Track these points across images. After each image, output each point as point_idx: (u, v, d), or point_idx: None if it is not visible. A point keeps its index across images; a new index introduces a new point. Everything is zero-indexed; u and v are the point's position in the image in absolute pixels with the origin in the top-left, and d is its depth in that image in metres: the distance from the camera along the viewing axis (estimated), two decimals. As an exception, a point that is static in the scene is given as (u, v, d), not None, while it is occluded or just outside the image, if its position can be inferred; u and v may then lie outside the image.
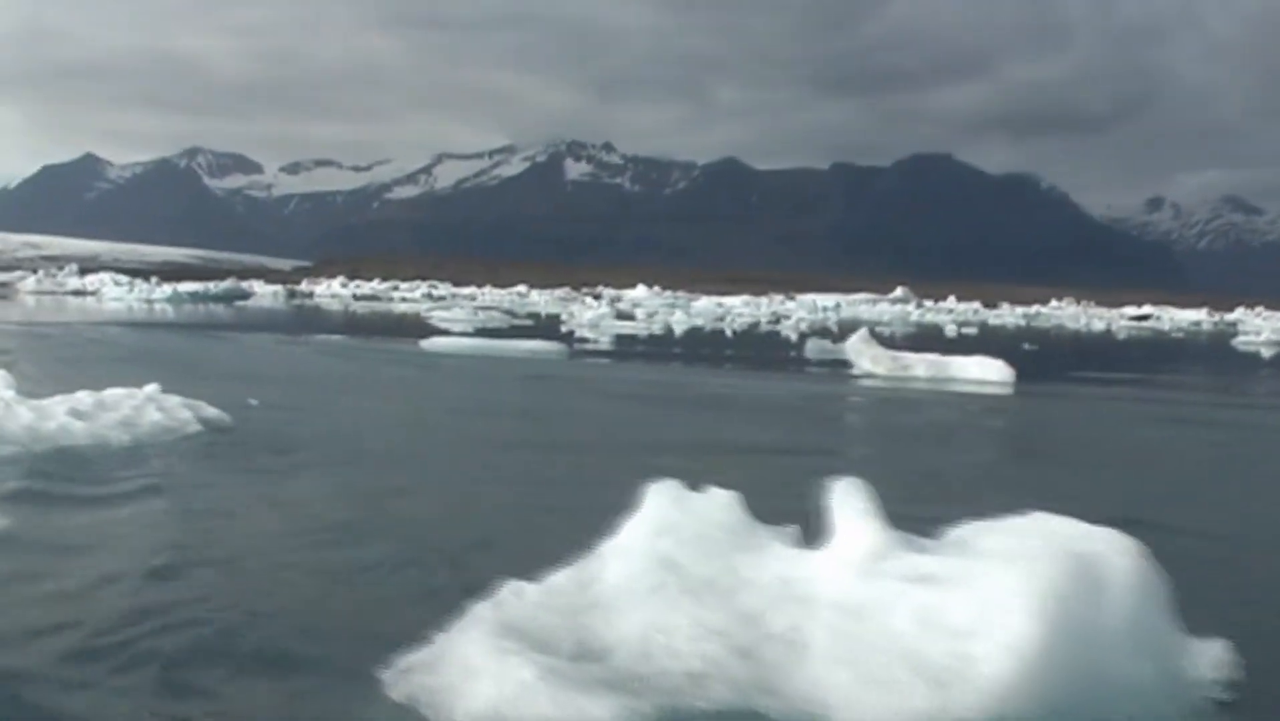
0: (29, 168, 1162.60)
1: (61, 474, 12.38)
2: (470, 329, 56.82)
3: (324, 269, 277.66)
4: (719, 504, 7.04)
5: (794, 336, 62.85)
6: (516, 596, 6.65)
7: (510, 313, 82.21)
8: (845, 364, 37.42)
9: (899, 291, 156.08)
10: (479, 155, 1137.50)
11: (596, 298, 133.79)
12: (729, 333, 67.10)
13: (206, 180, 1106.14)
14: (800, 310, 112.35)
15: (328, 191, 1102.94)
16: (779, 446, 17.05)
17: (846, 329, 72.68)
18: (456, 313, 73.23)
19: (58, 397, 15.38)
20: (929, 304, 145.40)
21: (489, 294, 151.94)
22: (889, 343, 40.89)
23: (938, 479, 14.41)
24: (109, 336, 44.01)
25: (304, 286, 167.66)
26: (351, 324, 66.56)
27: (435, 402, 22.14)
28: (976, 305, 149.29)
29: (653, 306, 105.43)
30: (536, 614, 6.45)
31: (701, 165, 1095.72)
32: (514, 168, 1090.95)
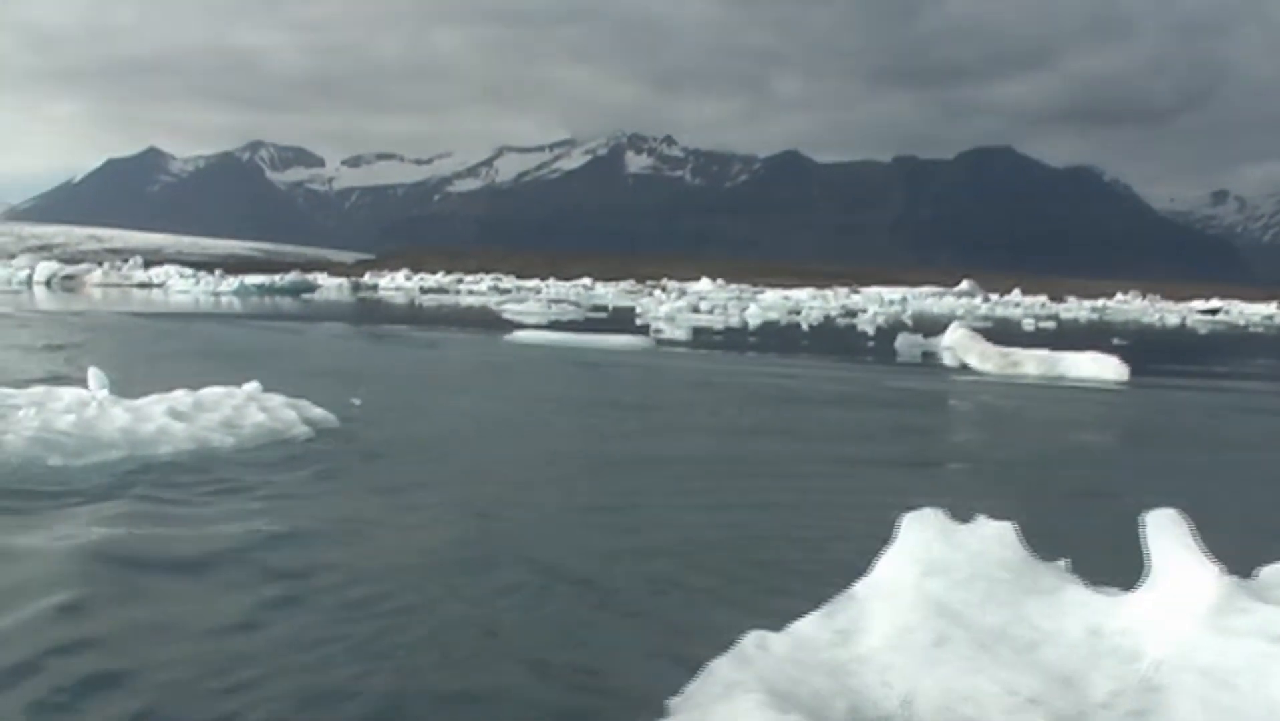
0: (93, 161, 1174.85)
1: (164, 481, 11.39)
2: (545, 322, 55.84)
3: (386, 262, 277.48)
4: (995, 537, 5.82)
5: (871, 331, 61.33)
6: (761, 649, 5.46)
7: (580, 305, 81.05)
8: (938, 359, 36.66)
9: (965, 285, 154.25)
10: (540, 148, 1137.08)
11: (664, 291, 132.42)
12: (805, 326, 65.62)
13: (268, 174, 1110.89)
14: (872, 304, 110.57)
15: (389, 185, 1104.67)
16: (950, 455, 15.97)
17: (922, 324, 71.57)
18: (530, 305, 72.07)
19: (153, 396, 14.40)
20: (994, 297, 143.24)
21: (553, 286, 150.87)
22: (968, 338, 39.72)
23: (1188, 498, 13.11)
24: (184, 329, 43.25)
25: (368, 279, 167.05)
26: (424, 317, 65.56)
27: (539, 400, 20.96)
28: (1043, 299, 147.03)
29: (719, 299, 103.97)
30: (797, 673, 5.24)
31: (762, 158, 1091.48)
32: (575, 160, 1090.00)
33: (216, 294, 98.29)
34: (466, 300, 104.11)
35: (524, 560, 8.66)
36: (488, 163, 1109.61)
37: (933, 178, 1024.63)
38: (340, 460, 13.16)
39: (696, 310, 73.48)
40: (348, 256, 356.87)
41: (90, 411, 13.31)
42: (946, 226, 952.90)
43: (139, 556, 8.54)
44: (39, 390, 14.20)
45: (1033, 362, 31.99)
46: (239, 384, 15.42)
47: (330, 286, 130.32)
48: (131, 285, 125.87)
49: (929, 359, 37.62)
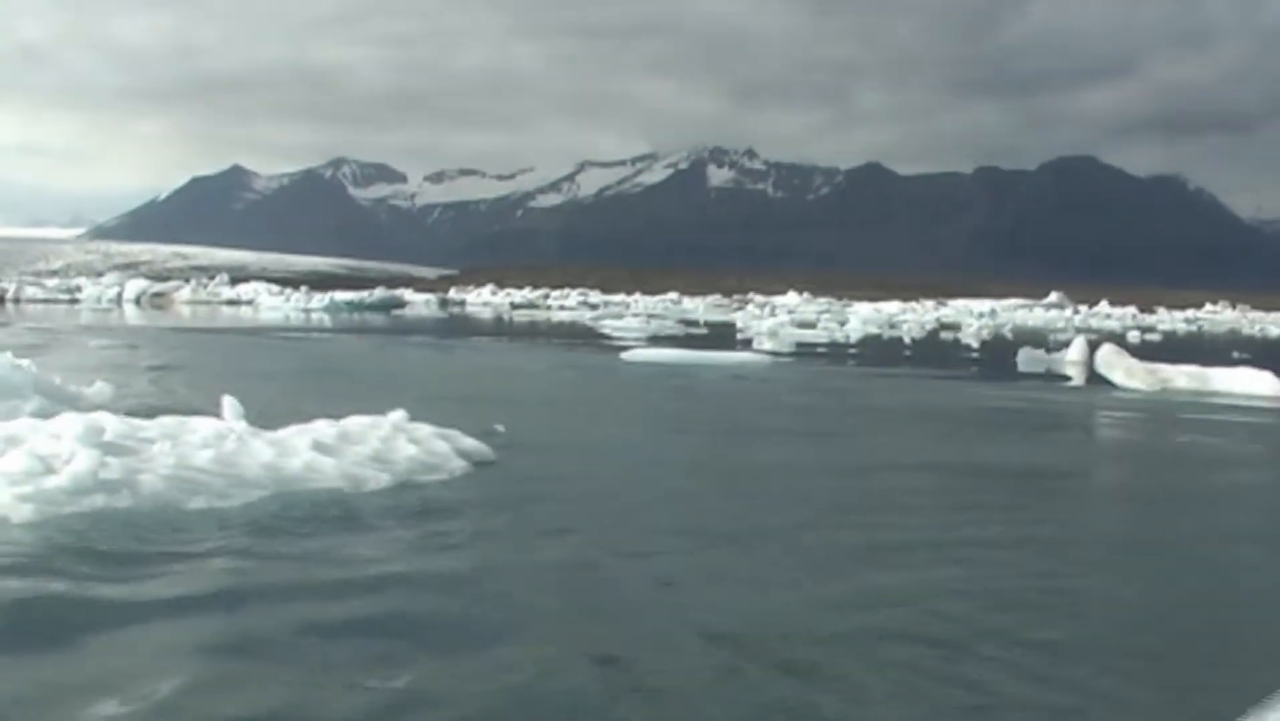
0: (178, 180, 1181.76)
1: (320, 524, 10.18)
2: (645, 338, 54.60)
3: (470, 277, 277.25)
4: None
5: (975, 344, 59.70)
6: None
7: (678, 321, 79.47)
8: (1064, 373, 36.00)
9: (1053, 296, 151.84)
10: (621, 163, 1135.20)
11: (758, 305, 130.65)
12: (907, 340, 63.84)
13: (351, 190, 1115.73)
14: (970, 317, 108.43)
15: (471, 200, 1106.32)
16: (1180, 493, 14.19)
17: (1021, 337, 69.76)
18: (629, 322, 70.68)
19: (293, 428, 13.08)
20: (1083, 309, 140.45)
21: (640, 301, 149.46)
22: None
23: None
24: (288, 347, 42.39)
25: (454, 295, 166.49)
26: (522, 333, 64.43)
27: (687, 424, 19.60)
28: (1131, 310, 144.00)
29: (810, 313, 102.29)
30: None
31: (844, 170, 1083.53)
32: (656, 175, 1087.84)
33: (307, 310, 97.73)
34: (558, 315, 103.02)
35: (723, 637, 7.20)
36: (569, 177, 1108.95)
37: (1015, 188, 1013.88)
38: (503, 497, 11.86)
39: (800, 325, 71.73)
40: (430, 272, 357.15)
41: (229, 445, 11.96)
42: (1029, 237, 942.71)
43: (313, 618, 7.33)
44: (170, 421, 12.83)
45: (1183, 379, 30.37)
46: (369, 409, 14.13)
47: (418, 302, 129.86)
48: (220, 302, 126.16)
49: (1054, 374, 36.30)
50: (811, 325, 72.64)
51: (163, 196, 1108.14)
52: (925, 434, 19.55)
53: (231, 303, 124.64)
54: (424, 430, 13.77)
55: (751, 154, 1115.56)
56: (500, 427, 15.89)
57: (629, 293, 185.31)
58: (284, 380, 25.94)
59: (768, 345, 51.77)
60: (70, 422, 11.64)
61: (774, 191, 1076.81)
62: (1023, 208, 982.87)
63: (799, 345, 51.98)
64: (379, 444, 12.94)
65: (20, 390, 15.94)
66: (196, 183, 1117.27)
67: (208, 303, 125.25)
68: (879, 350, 52.33)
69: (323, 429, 13.12)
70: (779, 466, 15.20)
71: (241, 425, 12.74)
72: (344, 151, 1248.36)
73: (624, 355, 35.33)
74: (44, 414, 14.95)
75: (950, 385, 32.32)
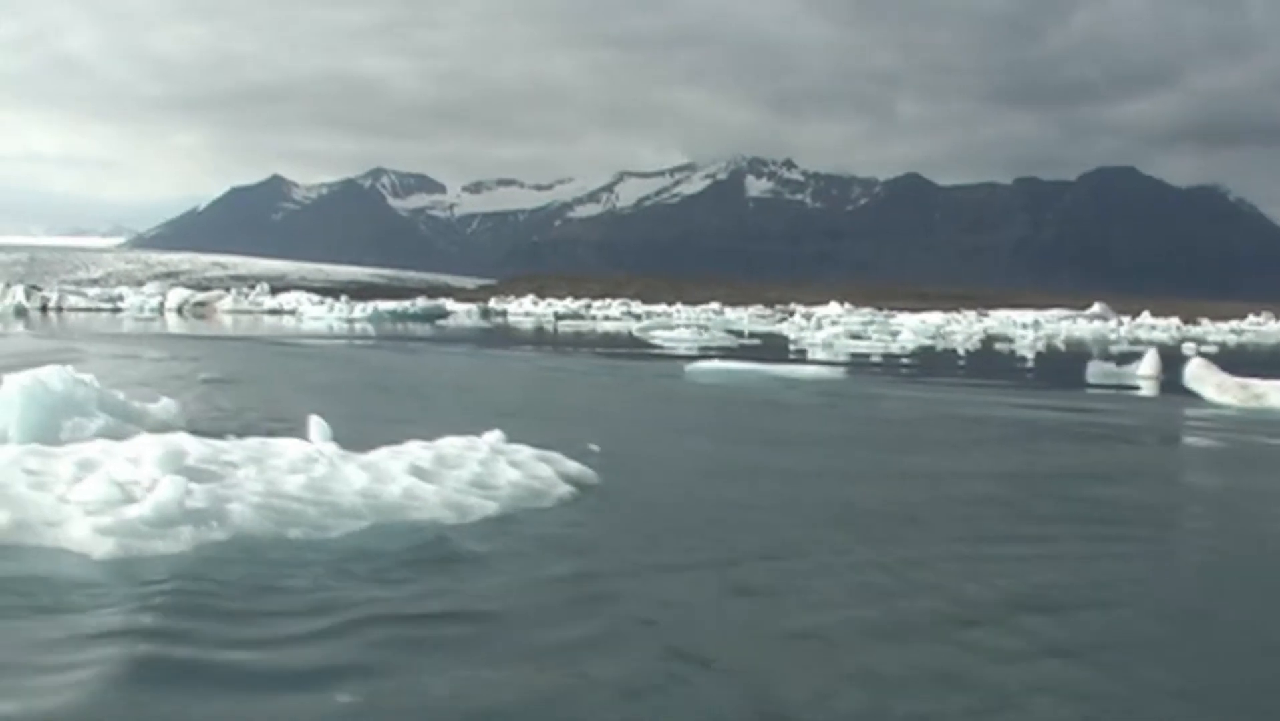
0: (217, 189, 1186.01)
1: (431, 560, 9.20)
2: (697, 349, 53.72)
3: (509, 287, 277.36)
4: None
5: (1030, 356, 58.66)
6: None
7: (724, 331, 78.27)
8: (1136, 386, 35.25)
9: (1096, 308, 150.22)
10: (660, 173, 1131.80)
11: (803, 316, 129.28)
12: (961, 351, 62.54)
13: (390, 200, 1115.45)
14: (1013, 328, 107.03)
15: (510, 210, 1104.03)
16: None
17: (1075, 348, 68.58)
18: (680, 333, 69.48)
19: (384, 450, 12.08)
20: (1125, 320, 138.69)
21: (682, 311, 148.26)
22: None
23: None
24: (343, 357, 41.82)
25: (495, 305, 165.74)
26: (572, 344, 63.38)
27: (786, 441, 18.44)
28: (1175, 321, 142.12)
29: (854, 323, 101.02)
30: None
31: (883, 181, 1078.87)
32: (695, 185, 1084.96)
33: (350, 320, 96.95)
34: (603, 326, 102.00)
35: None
36: (608, 188, 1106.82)
37: (1055, 199, 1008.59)
38: (620, 527, 10.89)
39: (852, 336, 70.54)
40: (469, 282, 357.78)
41: (320, 470, 10.96)
42: (1069, 248, 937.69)
43: (463, 679, 6.15)
44: (253, 443, 11.86)
45: (1277, 395, 28.99)
46: (449, 427, 13.28)
47: (459, 312, 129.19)
48: (262, 311, 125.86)
49: (1126, 387, 35.29)
50: (864, 337, 71.39)
51: (202, 206, 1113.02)
52: (1042, 452, 18.55)
53: (273, 312, 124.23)
54: (524, 452, 12.76)
55: (790, 164, 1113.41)
56: (594, 447, 14.83)
57: (670, 303, 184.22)
58: (348, 394, 24.96)
59: (821, 356, 50.78)
60: (149, 445, 10.69)
61: (812, 202, 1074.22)
62: (1062, 218, 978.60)
63: (854, 356, 50.91)
64: (479, 468, 11.92)
65: (84, 407, 14.98)
66: (236, 192, 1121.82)
67: (249, 312, 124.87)
68: (937, 362, 51.19)
69: (417, 452, 12.11)
70: (855, 481, 14.15)
71: (331, 448, 11.74)
72: (383, 161, 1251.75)
73: (687, 367, 34.24)
74: (110, 433, 14.05)
75: (1031, 398, 31.28)
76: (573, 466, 12.79)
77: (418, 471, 11.32)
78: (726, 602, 8.36)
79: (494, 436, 12.98)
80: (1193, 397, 29.03)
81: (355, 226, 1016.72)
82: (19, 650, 6.76)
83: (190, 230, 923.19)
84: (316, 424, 12.27)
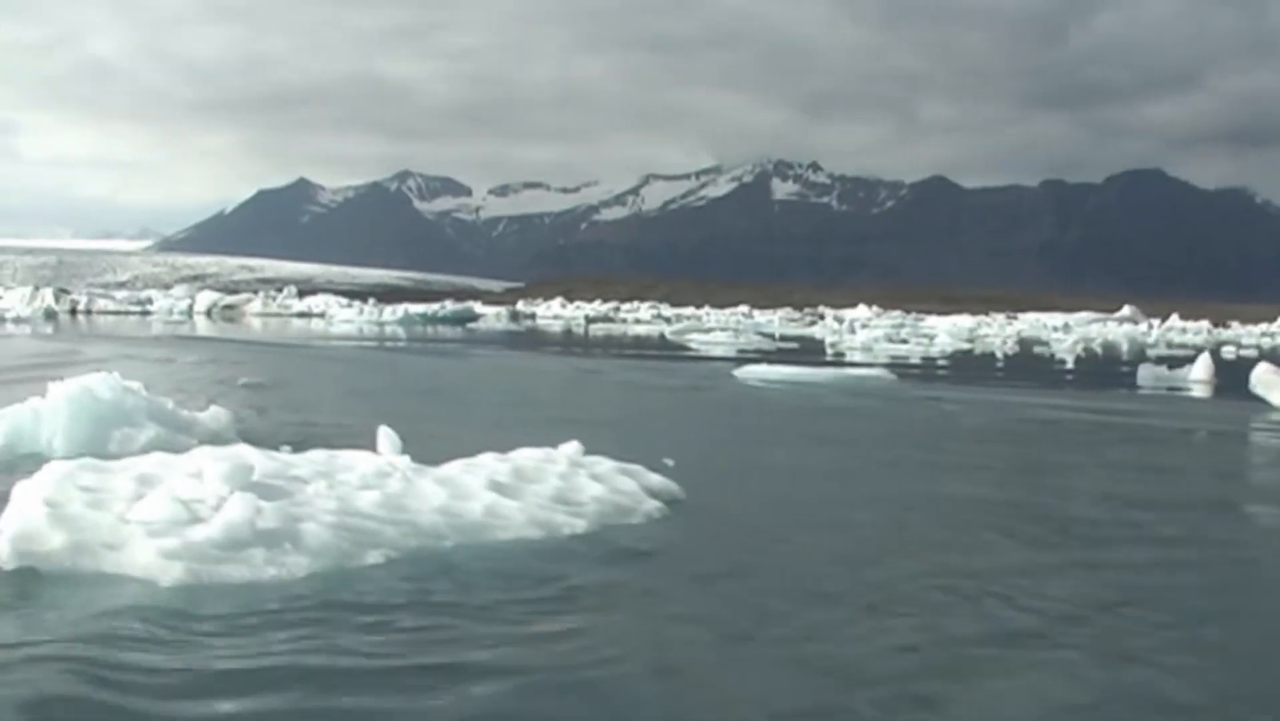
0: (244, 192, 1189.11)
1: (523, 587, 8.44)
2: (734, 353, 52.97)
3: (536, 290, 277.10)
4: None
5: (1070, 360, 57.81)
6: None
7: (757, 334, 77.35)
8: (1189, 391, 34.78)
9: (1126, 310, 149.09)
10: (686, 176, 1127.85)
11: (839, 320, 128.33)
12: (999, 355, 61.63)
13: (416, 203, 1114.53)
14: (1045, 331, 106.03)
15: (536, 213, 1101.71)
16: None
17: (1113, 352, 67.64)
18: (717, 336, 68.67)
19: (458, 463, 11.34)
20: (1155, 323, 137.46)
21: (712, 315, 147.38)
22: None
23: None
24: (384, 361, 41.24)
25: (523, 307, 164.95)
26: (608, 348, 62.57)
27: (858, 447, 17.65)
28: (1204, 324, 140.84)
29: (884, 326, 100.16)
30: None
31: (909, 183, 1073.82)
32: (721, 188, 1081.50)
33: (380, 323, 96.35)
34: (634, 329, 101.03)
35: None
36: (634, 191, 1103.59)
37: (1082, 201, 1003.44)
38: (719, 547, 10.14)
39: (892, 340, 69.66)
40: (496, 285, 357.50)
41: (394, 486, 10.20)
42: (1096, 250, 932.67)
43: None
44: (320, 456, 11.09)
45: (1349, 401, 28.26)
46: (511, 435, 12.57)
47: (489, 315, 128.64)
48: (291, 314, 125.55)
49: (1180, 391, 34.81)
50: (902, 340, 70.46)
51: (229, 209, 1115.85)
52: (1123, 457, 17.65)
53: (302, 315, 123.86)
54: (605, 465, 11.98)
55: (816, 167, 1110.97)
56: (669, 461, 14.00)
57: (698, 306, 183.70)
58: (396, 400, 24.17)
59: (860, 359, 50.03)
60: (211, 459, 9.92)
61: (839, 205, 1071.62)
62: (1089, 221, 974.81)
63: (895, 360, 50.04)
64: (560, 482, 11.15)
65: (133, 416, 14.27)
66: (262, 195, 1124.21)
67: (278, 315, 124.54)
68: (980, 365, 50.42)
69: (494, 465, 11.34)
70: (999, 499, 13.25)
71: (403, 461, 10.96)
72: (409, 164, 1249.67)
73: (736, 372, 33.46)
74: (161, 444, 13.37)
75: (1094, 402, 30.58)
76: (655, 480, 12.01)
77: (497, 487, 10.56)
78: (872, 629, 7.55)
79: (572, 448, 12.19)
80: (1257, 403, 28.22)
81: (381, 229, 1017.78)
82: (89, 691, 5.98)
83: (217, 233, 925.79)
84: (386, 435, 11.49)
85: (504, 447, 12.18)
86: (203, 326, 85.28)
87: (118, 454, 13.38)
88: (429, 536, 9.30)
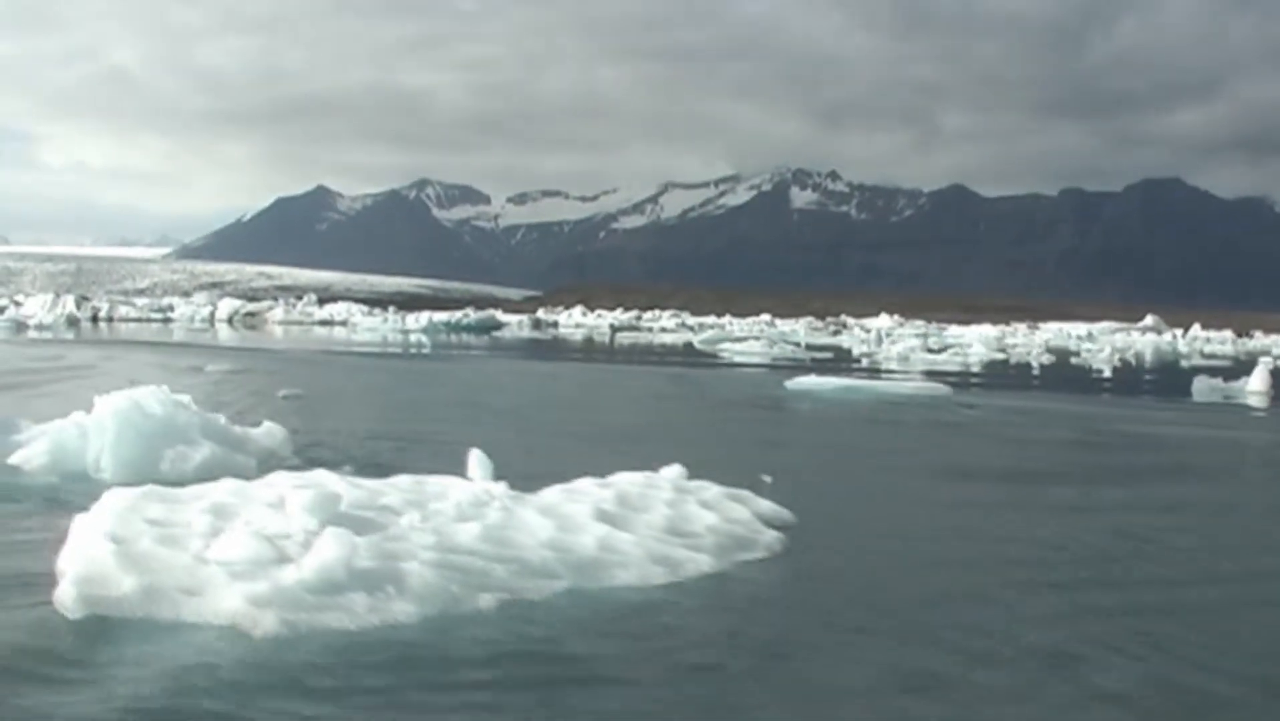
0: (263, 200, 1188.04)
1: (661, 639, 7.39)
2: (768, 362, 51.90)
3: (556, 298, 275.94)
4: None
5: (1107, 370, 57.33)
6: None
7: (791, 344, 76.19)
8: (1244, 401, 34.18)
9: (1149, 320, 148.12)
10: (705, 184, 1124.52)
11: (865, 330, 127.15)
12: (1036, 365, 60.41)
13: (435, 211, 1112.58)
14: (1071, 340, 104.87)
15: (554, 221, 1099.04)
16: None
17: (1147, 362, 66.50)
18: (751, 345, 67.53)
19: (555, 490, 10.26)
20: (1178, 332, 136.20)
21: (734, 323, 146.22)
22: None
23: None
24: (416, 372, 40.50)
25: (543, 315, 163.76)
26: (640, 358, 61.42)
27: (955, 467, 16.50)
28: (1227, 333, 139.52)
29: (907, 335, 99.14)
30: None
31: (928, 192, 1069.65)
32: (739, 196, 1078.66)
33: (405, 331, 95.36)
34: (661, 338, 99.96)
35: None
36: (653, 199, 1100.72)
37: (1101, 210, 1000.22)
38: (854, 587, 8.99)
39: (928, 350, 68.52)
40: (514, 293, 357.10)
41: (494, 516, 9.11)
42: (1115, 259, 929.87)
43: None
44: (406, 482, 10.03)
45: None
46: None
47: (511, 323, 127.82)
48: (313, 322, 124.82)
49: (1237, 403, 34.10)
50: (937, 350, 69.26)
51: (248, 217, 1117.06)
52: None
53: (324, 323, 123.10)
54: (712, 490, 10.92)
55: (835, 176, 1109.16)
56: (767, 478, 12.91)
57: (718, 315, 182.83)
58: (449, 415, 23.08)
59: (897, 369, 49.02)
60: (292, 488, 8.84)
61: (857, 213, 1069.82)
62: (1108, 229, 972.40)
63: (933, 370, 48.94)
64: (669, 510, 10.07)
65: (186, 433, 13.20)
66: (281, 203, 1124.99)
67: (300, 322, 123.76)
68: (1021, 376, 49.43)
69: (596, 492, 10.28)
70: (1146, 521, 12.15)
71: (500, 488, 9.87)
72: (428, 173, 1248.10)
73: (787, 383, 32.24)
74: (217, 464, 12.36)
75: (1164, 413, 29.83)
76: (766, 506, 10.94)
77: (606, 517, 9.48)
78: (1065, 696, 6.44)
79: (674, 472, 11.14)
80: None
81: (400, 237, 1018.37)
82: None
83: (236, 241, 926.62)
84: (477, 458, 10.43)
85: (580, 466, 11.24)
86: (225, 334, 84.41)
87: (170, 474, 12.40)
88: (540, 575, 8.22)
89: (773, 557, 9.66)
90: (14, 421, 14.36)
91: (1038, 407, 29.69)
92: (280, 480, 9.46)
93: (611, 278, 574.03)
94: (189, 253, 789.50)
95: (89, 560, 7.47)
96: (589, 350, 71.74)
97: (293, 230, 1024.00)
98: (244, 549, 7.61)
